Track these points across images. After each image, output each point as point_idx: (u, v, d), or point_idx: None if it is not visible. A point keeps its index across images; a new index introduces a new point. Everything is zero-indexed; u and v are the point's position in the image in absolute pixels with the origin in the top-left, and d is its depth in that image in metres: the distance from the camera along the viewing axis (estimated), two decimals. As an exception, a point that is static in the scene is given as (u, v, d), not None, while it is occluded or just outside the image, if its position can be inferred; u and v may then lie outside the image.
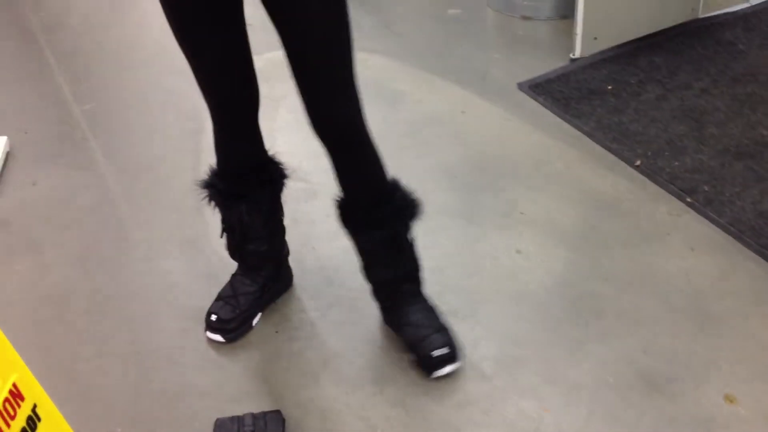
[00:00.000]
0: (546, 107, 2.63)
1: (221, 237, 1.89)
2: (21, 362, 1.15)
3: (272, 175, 1.85)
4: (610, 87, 2.70)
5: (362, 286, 1.87)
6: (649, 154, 2.39)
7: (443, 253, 2.10)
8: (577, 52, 2.84)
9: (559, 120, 2.58)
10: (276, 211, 1.89)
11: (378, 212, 1.71)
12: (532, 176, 2.37)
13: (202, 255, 2.15)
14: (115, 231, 2.25)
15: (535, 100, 2.67)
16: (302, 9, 1.44)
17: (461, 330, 1.88)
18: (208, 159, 2.48)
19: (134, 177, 2.45)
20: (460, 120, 2.65)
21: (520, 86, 2.74)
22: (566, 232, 2.17)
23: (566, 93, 2.68)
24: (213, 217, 2.26)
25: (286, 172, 1.87)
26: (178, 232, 2.23)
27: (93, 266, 2.14)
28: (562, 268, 2.06)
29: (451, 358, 1.78)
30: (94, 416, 1.74)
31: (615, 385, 1.74)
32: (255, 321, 1.92)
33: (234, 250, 1.90)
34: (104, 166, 2.52)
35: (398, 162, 2.35)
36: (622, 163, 2.38)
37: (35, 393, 1.17)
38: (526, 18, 3.15)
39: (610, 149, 2.43)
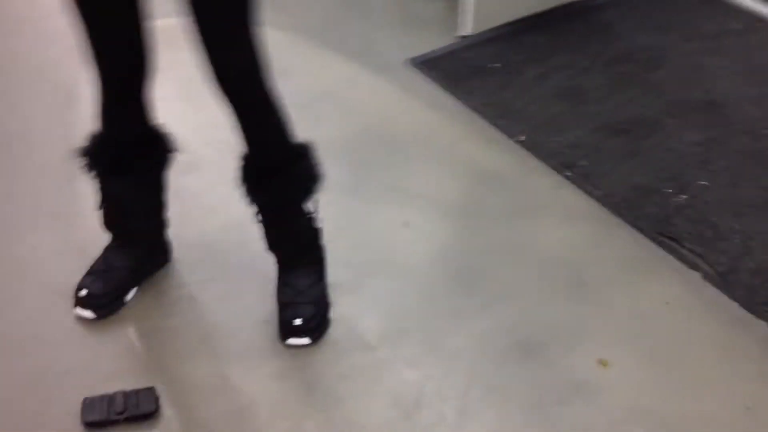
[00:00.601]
0: (434, 83, 2.65)
1: (99, 209, 1.81)
2: None
3: (159, 147, 1.78)
4: (497, 65, 2.74)
5: (243, 261, 1.83)
6: (531, 130, 2.44)
7: (332, 227, 2.06)
8: (467, 30, 2.87)
9: (447, 96, 2.60)
10: (160, 186, 1.83)
11: (275, 175, 1.68)
12: (420, 151, 2.38)
13: (72, 228, 2.06)
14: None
15: (425, 76, 2.68)
16: None
17: (347, 302, 1.87)
18: (80, 131, 2.36)
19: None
20: (348, 95, 2.63)
21: (409, 62, 2.75)
22: (451, 205, 2.19)
23: (454, 70, 2.71)
24: (85, 189, 2.15)
25: (173, 145, 1.81)
26: (46, 205, 2.12)
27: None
28: (446, 241, 2.08)
29: (307, 331, 1.75)
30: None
31: (492, 353, 1.77)
32: (129, 297, 1.85)
33: (110, 224, 1.83)
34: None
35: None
36: (507, 139, 2.42)
37: None
38: (416, -5, 3.16)
39: (495, 125, 2.47)
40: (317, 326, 1.78)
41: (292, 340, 1.76)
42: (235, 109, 1.60)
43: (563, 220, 2.14)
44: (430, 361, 1.75)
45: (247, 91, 1.58)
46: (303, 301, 1.78)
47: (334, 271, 1.94)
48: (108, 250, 1.86)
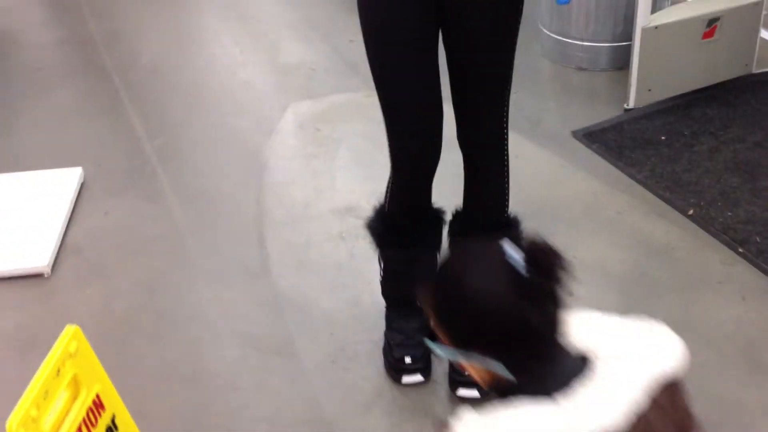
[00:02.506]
0: (599, 155, 2.69)
1: (381, 280, 1.92)
2: (104, 374, 1.24)
3: (438, 220, 1.89)
4: (663, 137, 2.74)
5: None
6: (702, 203, 2.42)
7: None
8: (632, 103, 2.90)
9: (612, 168, 2.63)
10: (435, 261, 1.87)
11: (482, 228, 1.80)
12: (584, 221, 2.41)
13: (262, 285, 2.24)
14: (180, 260, 2.36)
15: (589, 147, 2.73)
16: (483, 32, 1.61)
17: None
18: (269, 196, 2.59)
19: (199, 209, 2.57)
20: (512, 164, 2.70)
21: (574, 134, 2.80)
22: (617, 277, 2.20)
23: (620, 142, 2.74)
24: (272, 249, 2.36)
25: (445, 217, 1.90)
26: (240, 263, 2.33)
27: (159, 292, 2.24)
28: (613, 312, 2.08)
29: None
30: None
31: None
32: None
33: (395, 292, 1.92)
34: (171, 199, 2.64)
35: (451, 203, 2.42)
36: (675, 212, 2.41)
37: (115, 404, 1.25)
38: (581, 69, 3.22)
39: (662, 197, 2.46)
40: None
41: (463, 391, 1.81)
42: (472, 167, 1.78)
43: (737, 298, 2.09)
44: None
45: (490, 151, 1.76)
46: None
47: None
48: (395, 320, 1.92)
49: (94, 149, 2.92)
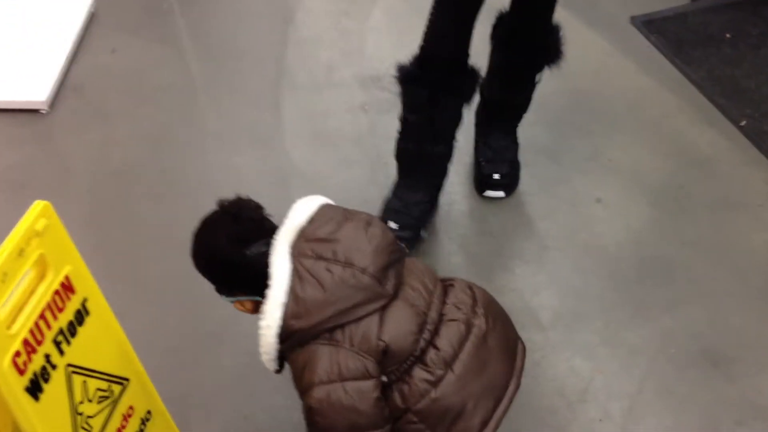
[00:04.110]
0: (656, 47, 2.44)
1: (399, 138, 1.83)
2: (76, 255, 1.13)
3: (470, 82, 1.77)
4: (728, 35, 2.48)
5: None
6: (757, 115, 2.21)
7: (520, 189, 2.01)
8: (699, -9, 2.61)
9: (667, 63, 2.39)
10: (460, 120, 1.80)
11: (527, 38, 1.81)
12: (626, 121, 2.22)
13: (273, 155, 2.10)
14: (189, 115, 2.22)
15: (646, 38, 2.48)
16: None
17: (525, 273, 1.82)
18: (291, 54, 2.40)
19: (216, 62, 2.39)
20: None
21: (633, 20, 2.54)
22: (652, 186, 2.04)
23: (680, 35, 2.48)
24: (288, 116, 2.20)
25: (479, 82, 1.79)
26: (252, 128, 2.18)
27: (163, 148, 2.12)
28: (640, 225, 1.95)
29: (504, 185, 1.97)
30: (144, 300, 1.75)
31: (673, 356, 1.66)
32: (424, 233, 1.89)
33: (404, 156, 1.84)
34: (187, 45, 2.46)
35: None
36: (726, 121, 2.21)
37: (87, 287, 1.15)
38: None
39: (715, 103, 2.25)
40: (512, 182, 1.99)
41: (490, 193, 1.97)
42: None
43: (777, 225, 1.94)
44: (605, 352, 1.67)
45: None
46: (501, 159, 1.97)
47: (516, 238, 1.89)
48: (400, 188, 1.88)
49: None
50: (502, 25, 1.85)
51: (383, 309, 1.18)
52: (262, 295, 1.18)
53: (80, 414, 1.14)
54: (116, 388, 1.24)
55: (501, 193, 1.98)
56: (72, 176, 2.04)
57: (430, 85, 1.71)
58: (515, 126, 2.03)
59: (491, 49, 1.88)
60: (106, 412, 1.21)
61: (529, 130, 2.16)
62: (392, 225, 1.82)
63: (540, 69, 1.88)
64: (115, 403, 1.24)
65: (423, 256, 1.83)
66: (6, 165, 2.04)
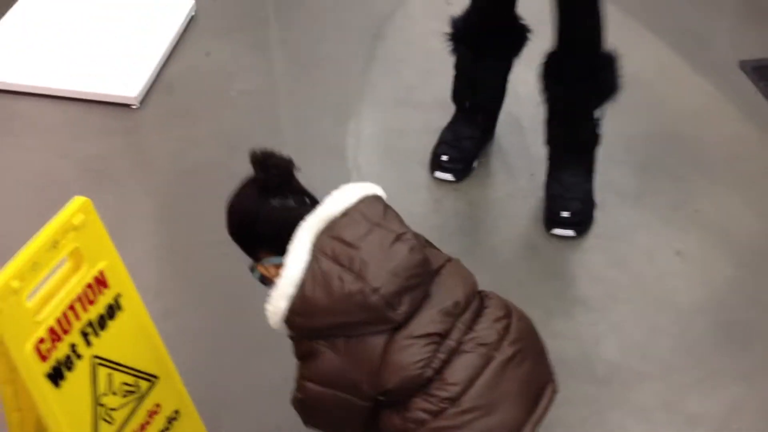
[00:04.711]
0: (764, 95, 2.28)
1: (453, 83, 2.02)
2: (113, 250, 1.14)
3: (517, 36, 1.91)
4: None
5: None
6: None
7: (596, 232, 1.91)
8: (823, 39, 2.43)
9: (773, 113, 2.23)
10: (509, 68, 1.97)
11: (579, 71, 1.77)
12: (722, 170, 2.08)
13: (343, 167, 2.09)
14: (268, 122, 2.22)
15: (755, 84, 2.32)
16: None
17: (588, 320, 1.72)
18: (376, 70, 2.39)
19: (302, 72, 2.40)
20: (661, 87, 2.36)
21: (742, 65, 2.39)
22: (740, 244, 1.90)
23: (793, 84, 2.31)
24: (364, 131, 2.19)
25: (528, 34, 1.91)
26: (327, 139, 2.17)
27: (238, 153, 2.12)
28: (722, 284, 1.81)
29: (574, 224, 1.87)
30: (194, 300, 1.76)
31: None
32: (475, 164, 2.04)
33: (460, 98, 2.03)
34: (276, 53, 2.48)
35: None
36: (835, 182, 2.03)
37: (122, 283, 1.16)
38: (774, -14, 2.72)
39: (825, 162, 2.08)
40: (583, 221, 1.89)
41: (558, 231, 1.87)
42: (562, 3, 1.69)
43: None
44: (661, 418, 1.55)
45: None
46: (571, 196, 1.87)
47: (582, 282, 1.79)
48: (456, 122, 2.04)
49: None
50: (549, 63, 1.81)
51: (393, 331, 1.12)
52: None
53: (102, 405, 1.15)
54: (144, 384, 1.24)
55: (570, 232, 1.88)
56: (149, 171, 2.10)
57: (475, 47, 1.89)
58: (590, 161, 1.93)
59: (542, 88, 1.85)
60: (130, 406, 1.22)
61: (613, 169, 2.06)
62: (443, 158, 2.00)
63: (596, 106, 1.83)
64: (141, 398, 1.24)
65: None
66: (91, 154, 2.11)
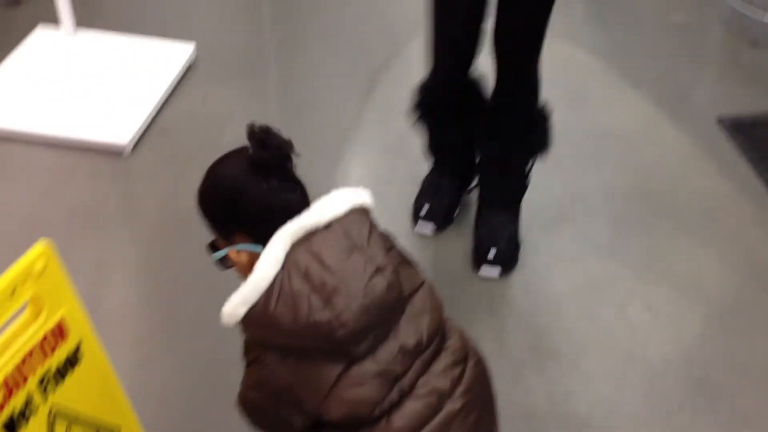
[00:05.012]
0: (740, 152, 2.32)
1: (425, 145, 2.06)
2: (73, 298, 1.14)
3: (478, 95, 1.91)
4: (825, 147, 2.32)
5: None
6: None
7: (568, 283, 1.93)
8: (802, 97, 2.47)
9: (750, 170, 2.26)
10: (474, 126, 1.95)
11: (514, 128, 1.83)
12: (696, 226, 2.11)
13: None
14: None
15: (731, 140, 2.36)
16: None
17: (556, 375, 1.73)
18: (371, 115, 2.43)
19: (295, 115, 2.43)
20: (638, 141, 2.40)
21: (720, 121, 2.43)
22: (712, 300, 1.91)
23: (769, 141, 2.35)
24: (353, 176, 2.22)
25: (487, 94, 1.91)
26: (314, 181, 2.19)
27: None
28: (691, 342, 1.83)
29: (500, 263, 1.90)
30: (170, 350, 1.78)
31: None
32: (456, 212, 2.07)
33: (434, 152, 2.06)
34: (273, 100, 2.53)
35: (556, 170, 2.18)
36: (809, 240, 2.05)
37: (82, 331, 1.17)
38: (755, 44, 2.77)
39: (799, 220, 2.10)
40: (508, 260, 1.93)
41: (485, 269, 1.91)
42: (503, 63, 1.73)
43: None
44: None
45: (521, 50, 1.72)
46: (499, 236, 1.92)
47: (552, 335, 1.81)
48: (433, 175, 2.07)
49: (213, 23, 2.83)
50: (486, 120, 1.86)
51: (349, 364, 1.09)
52: (263, 243, 1.08)
53: (60, 460, 1.13)
54: (104, 436, 1.24)
55: (496, 272, 1.92)
56: (137, 217, 2.12)
57: (439, 118, 1.93)
58: (517, 207, 2.00)
59: (477, 143, 1.94)
60: (90, 458, 1.21)
61: (589, 222, 2.10)
62: (422, 211, 2.01)
63: (528, 160, 1.91)
64: (102, 450, 1.23)
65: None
66: (79, 199, 2.13)
